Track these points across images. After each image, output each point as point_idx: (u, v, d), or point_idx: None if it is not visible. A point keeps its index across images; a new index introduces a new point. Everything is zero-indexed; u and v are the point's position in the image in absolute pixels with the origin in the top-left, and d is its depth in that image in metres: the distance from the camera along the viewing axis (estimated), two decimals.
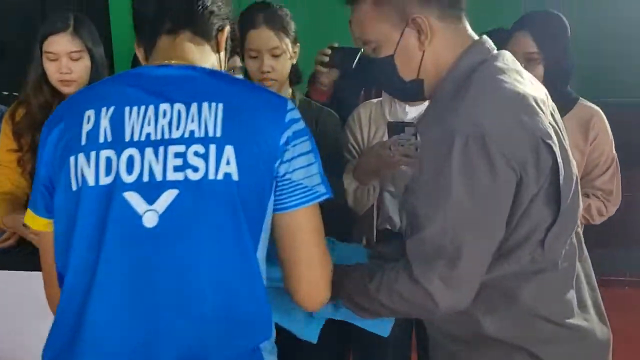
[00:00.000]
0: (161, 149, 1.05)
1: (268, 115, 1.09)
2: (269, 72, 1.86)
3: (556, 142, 1.14)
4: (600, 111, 2.10)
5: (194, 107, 1.07)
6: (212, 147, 1.05)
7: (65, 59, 1.93)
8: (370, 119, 2.03)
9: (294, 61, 1.94)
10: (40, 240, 1.21)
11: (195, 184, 1.04)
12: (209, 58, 1.20)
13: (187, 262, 1.05)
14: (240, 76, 2.07)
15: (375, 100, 2.07)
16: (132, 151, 1.06)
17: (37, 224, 1.18)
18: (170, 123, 1.06)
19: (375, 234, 1.99)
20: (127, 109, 1.08)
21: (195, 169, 1.04)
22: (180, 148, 1.05)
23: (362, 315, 1.29)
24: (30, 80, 1.99)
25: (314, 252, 1.13)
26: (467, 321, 1.21)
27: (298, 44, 1.94)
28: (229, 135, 1.05)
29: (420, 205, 1.15)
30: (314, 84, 2.30)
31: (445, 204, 1.10)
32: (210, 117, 1.06)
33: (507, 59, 1.23)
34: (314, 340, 1.42)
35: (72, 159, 1.08)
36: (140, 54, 1.22)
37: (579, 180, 1.24)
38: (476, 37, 1.25)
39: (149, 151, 1.05)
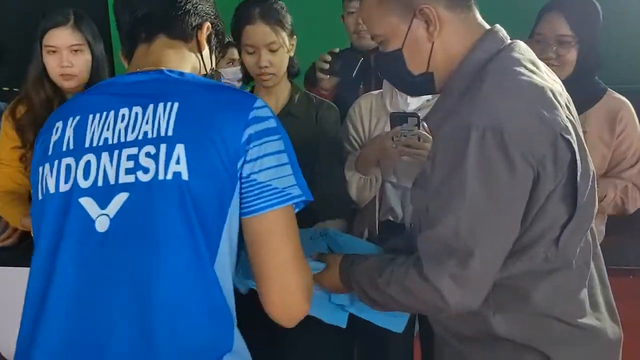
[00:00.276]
0: (116, 152, 1.05)
1: (227, 114, 1.05)
2: (266, 67, 1.86)
3: (574, 137, 1.11)
4: (628, 103, 2.04)
5: (150, 108, 1.06)
6: (163, 147, 1.02)
7: (66, 52, 1.93)
8: (371, 111, 2.02)
9: (292, 54, 1.94)
10: None
11: (146, 186, 1.02)
12: (188, 59, 1.19)
13: (134, 268, 1.01)
14: (228, 81, 2.07)
15: (375, 92, 2.06)
16: (90, 157, 1.06)
17: None
18: (127, 126, 1.06)
19: (377, 225, 1.99)
20: (90, 116, 1.09)
21: (146, 170, 1.02)
22: (134, 150, 1.04)
23: (374, 308, 1.27)
24: (30, 76, 1.99)
25: (287, 259, 1.06)
26: (476, 320, 1.18)
27: (295, 37, 1.93)
28: (181, 134, 1.02)
29: (432, 201, 1.12)
30: (315, 86, 2.29)
31: (460, 200, 1.06)
32: (164, 117, 1.04)
33: (522, 48, 1.19)
34: (344, 325, 1.42)
35: (40, 169, 1.11)
36: (125, 65, 1.22)
37: (595, 177, 1.21)
38: (488, 27, 1.21)
39: (104, 155, 1.05)
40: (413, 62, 1.20)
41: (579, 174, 1.11)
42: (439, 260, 1.09)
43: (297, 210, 1.10)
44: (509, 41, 1.20)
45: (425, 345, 2.03)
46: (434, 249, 1.10)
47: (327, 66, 2.13)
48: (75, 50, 1.94)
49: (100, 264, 1.03)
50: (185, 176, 1.01)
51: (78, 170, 1.06)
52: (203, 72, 1.23)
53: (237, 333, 1.07)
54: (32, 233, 1.93)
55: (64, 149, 1.08)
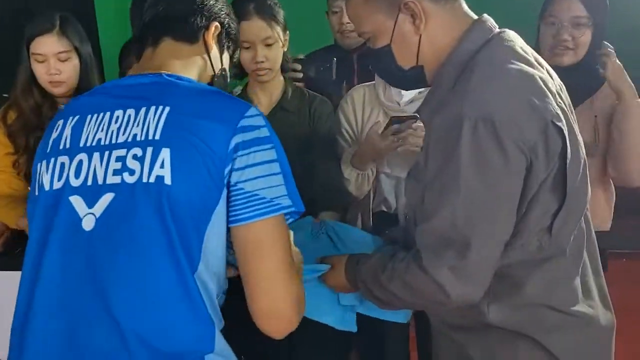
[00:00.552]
0: (107, 153, 1.05)
1: (216, 120, 1.03)
2: (262, 62, 1.86)
3: (565, 124, 1.11)
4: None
5: (142, 111, 1.06)
6: (149, 150, 1.02)
7: (53, 60, 1.91)
8: (364, 102, 2.02)
9: (285, 49, 1.94)
10: None
11: (130, 187, 1.02)
12: (193, 62, 1.18)
13: (113, 268, 1.01)
14: None
15: (368, 84, 2.06)
16: (82, 156, 1.07)
17: None
18: (119, 128, 1.06)
19: (371, 216, 2.00)
20: (88, 117, 1.10)
21: (132, 172, 1.03)
22: (122, 152, 1.04)
23: (380, 307, 1.27)
24: (19, 82, 1.97)
25: (276, 269, 1.03)
26: (471, 310, 1.18)
27: (288, 32, 1.94)
28: (167, 138, 1.02)
29: (428, 193, 1.12)
30: None
31: (455, 191, 1.06)
32: (153, 120, 1.04)
33: (511, 37, 1.19)
34: (354, 330, 1.42)
35: (38, 166, 1.13)
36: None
37: (586, 165, 1.21)
38: (475, 17, 1.21)
39: (96, 156, 1.06)
40: (402, 56, 1.21)
41: (568, 160, 1.11)
42: (437, 252, 1.09)
43: (290, 220, 1.08)
44: (497, 30, 1.20)
45: (420, 334, 2.04)
46: (432, 242, 1.10)
47: (300, 75, 2.15)
48: (63, 58, 1.92)
49: (84, 261, 1.03)
50: (167, 180, 1.00)
51: (71, 169, 1.07)
52: (211, 73, 1.22)
53: (218, 336, 1.06)
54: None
55: (61, 147, 1.10)
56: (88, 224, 1.04)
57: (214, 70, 1.23)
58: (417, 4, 1.16)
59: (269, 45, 1.86)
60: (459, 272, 1.08)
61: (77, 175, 1.06)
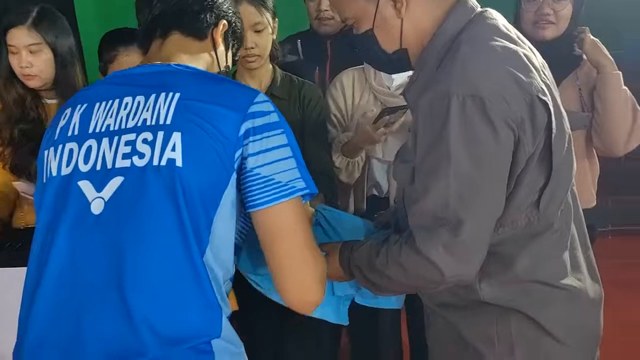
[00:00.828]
0: (115, 138, 1.07)
1: (226, 106, 1.06)
2: (252, 48, 1.85)
3: (550, 98, 1.11)
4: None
5: (152, 97, 1.08)
6: (160, 134, 1.04)
7: (24, 52, 1.88)
8: (354, 86, 2.03)
9: (274, 36, 1.93)
10: None
11: (140, 170, 1.03)
12: (200, 57, 1.20)
13: (120, 252, 1.02)
14: None
15: (357, 67, 2.06)
16: (91, 142, 1.08)
17: None
18: (128, 114, 1.08)
19: (365, 200, 2.01)
20: (97, 104, 1.12)
21: (142, 156, 1.04)
22: (132, 136, 1.06)
23: (375, 292, 1.27)
24: (1, 74, 1.95)
25: (298, 250, 1.08)
26: (462, 288, 1.20)
27: (277, 19, 1.93)
28: (178, 123, 1.04)
29: (418, 173, 1.11)
30: None
31: (446, 169, 1.06)
32: (164, 106, 1.06)
33: (494, 15, 1.19)
34: (346, 323, 1.44)
35: (45, 152, 1.14)
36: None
37: (572, 139, 1.21)
38: None
39: (105, 141, 1.07)
40: (385, 40, 1.20)
41: (554, 135, 1.11)
42: (430, 231, 1.09)
43: (304, 202, 1.11)
44: (479, 9, 1.19)
45: (411, 314, 2.07)
46: (424, 222, 1.10)
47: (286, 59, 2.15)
48: (33, 50, 1.89)
49: (93, 245, 1.04)
50: (179, 163, 1.02)
51: (80, 155, 1.08)
52: (217, 69, 1.24)
53: (225, 322, 1.07)
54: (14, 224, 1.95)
55: (69, 134, 1.11)
56: (97, 207, 1.05)
57: (219, 67, 1.24)
58: None
59: (258, 31, 1.85)
60: (453, 250, 1.07)
61: (86, 161, 1.07)
